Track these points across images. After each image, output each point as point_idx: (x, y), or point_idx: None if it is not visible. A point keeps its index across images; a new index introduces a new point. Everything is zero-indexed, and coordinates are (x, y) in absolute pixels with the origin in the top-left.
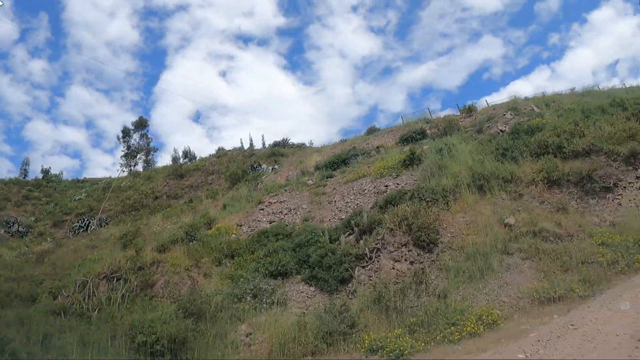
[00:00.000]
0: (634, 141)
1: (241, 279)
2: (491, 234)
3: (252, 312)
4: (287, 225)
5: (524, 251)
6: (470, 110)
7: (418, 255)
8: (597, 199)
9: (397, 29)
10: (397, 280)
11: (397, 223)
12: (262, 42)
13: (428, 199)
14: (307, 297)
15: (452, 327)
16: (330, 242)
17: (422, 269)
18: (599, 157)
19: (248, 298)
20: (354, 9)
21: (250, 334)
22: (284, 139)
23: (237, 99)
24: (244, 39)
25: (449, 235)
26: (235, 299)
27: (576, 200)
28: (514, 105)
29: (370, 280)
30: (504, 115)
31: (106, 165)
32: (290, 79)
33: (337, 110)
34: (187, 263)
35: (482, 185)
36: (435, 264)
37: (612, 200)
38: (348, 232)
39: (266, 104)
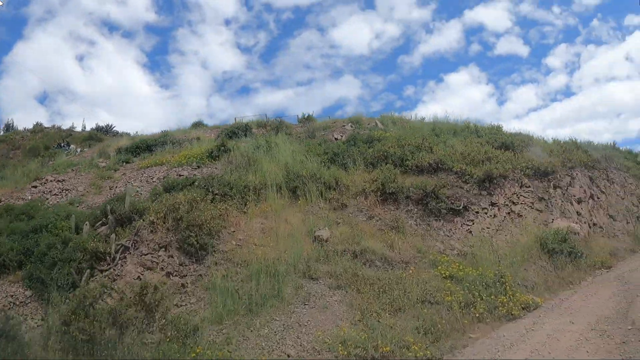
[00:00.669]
0: (491, 164)
1: None
2: (294, 249)
3: None
4: (40, 205)
5: (335, 277)
6: (308, 120)
7: (181, 264)
8: (442, 221)
9: (264, 51)
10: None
11: (162, 215)
12: (128, 35)
13: (217, 192)
14: (16, 304)
15: None
16: (77, 232)
17: (181, 284)
18: (448, 176)
19: None
20: (227, 22)
21: None
22: (107, 125)
23: (88, 87)
24: (110, 27)
25: (234, 242)
26: None
27: (416, 220)
28: (357, 120)
29: (106, 291)
30: (344, 126)
31: None
32: (147, 78)
33: (187, 119)
34: None
35: (297, 188)
36: (204, 279)
37: (461, 226)
38: (101, 221)
39: (117, 98)
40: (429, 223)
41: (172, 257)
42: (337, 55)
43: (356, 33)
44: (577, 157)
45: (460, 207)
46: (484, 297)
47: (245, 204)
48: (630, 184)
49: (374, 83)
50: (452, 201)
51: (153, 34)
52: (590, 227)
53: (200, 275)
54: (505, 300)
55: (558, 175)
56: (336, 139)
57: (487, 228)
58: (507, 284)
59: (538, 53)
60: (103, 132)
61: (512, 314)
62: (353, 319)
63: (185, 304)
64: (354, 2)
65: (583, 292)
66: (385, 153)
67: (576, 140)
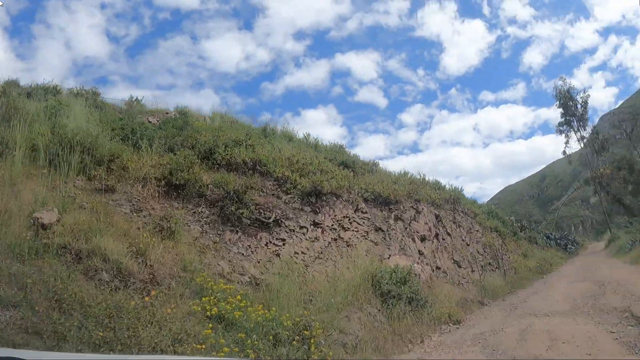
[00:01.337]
0: (322, 176)
1: None
2: None
3: None
4: None
5: (19, 286)
6: (135, 102)
7: None
8: (240, 234)
9: (133, 45)
10: None
11: None
12: None
13: None
14: None
15: None
16: None
17: None
18: (265, 181)
19: None
20: (103, 6)
21: None
22: None
23: None
24: None
25: None
26: None
27: (203, 226)
28: (185, 111)
29: None
30: (167, 113)
31: None
32: (4, 44)
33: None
34: None
35: (57, 157)
36: None
37: (267, 245)
38: None
39: None
40: (221, 233)
41: None
42: (202, 67)
43: (227, 50)
44: (424, 191)
45: (270, 220)
46: None
47: None
48: (477, 230)
49: (233, 102)
50: (261, 210)
51: None
52: (433, 270)
53: None
54: None
55: (402, 207)
56: (150, 122)
57: (303, 253)
58: (313, 339)
59: (395, 108)
60: None
61: None
62: None
63: None
64: (234, 19)
65: None
66: (194, 141)
67: (425, 176)
